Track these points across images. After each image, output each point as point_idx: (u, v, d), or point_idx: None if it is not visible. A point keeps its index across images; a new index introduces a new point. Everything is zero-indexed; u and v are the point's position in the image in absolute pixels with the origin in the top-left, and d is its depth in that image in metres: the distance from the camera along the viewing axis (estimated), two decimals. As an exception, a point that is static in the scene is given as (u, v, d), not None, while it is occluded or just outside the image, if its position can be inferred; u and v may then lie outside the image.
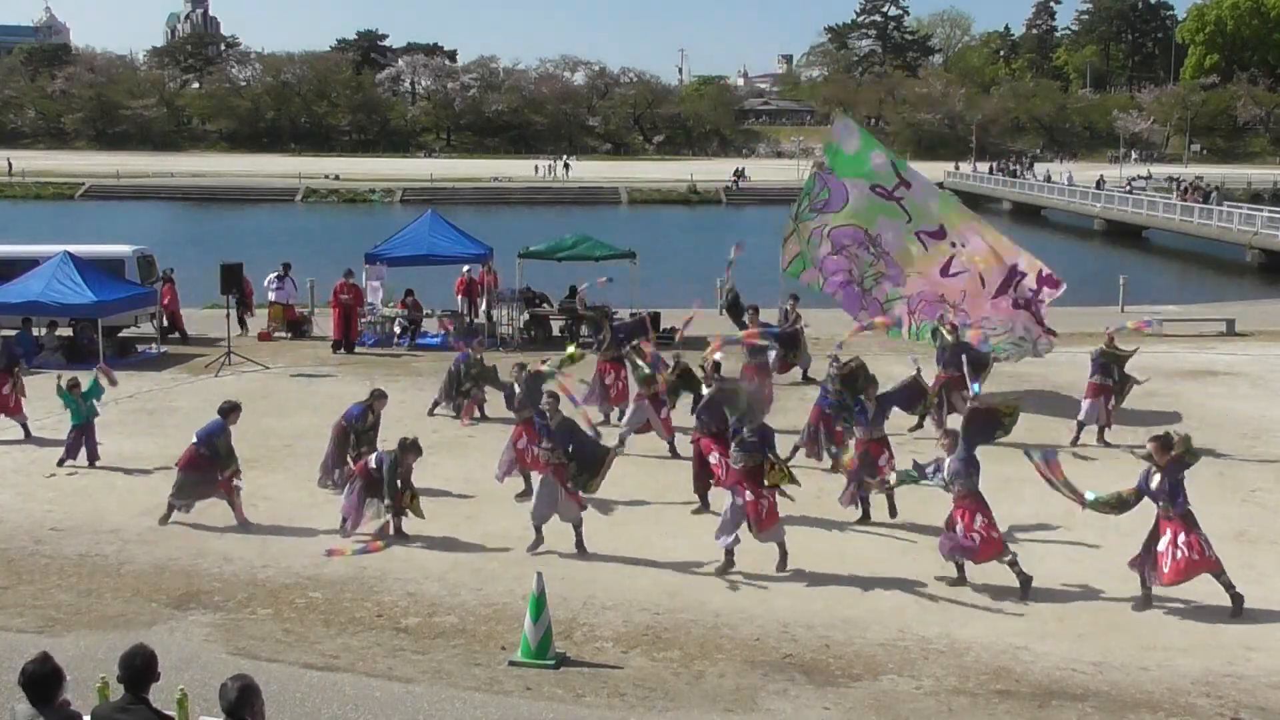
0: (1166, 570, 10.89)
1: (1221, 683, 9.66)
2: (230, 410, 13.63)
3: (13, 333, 20.86)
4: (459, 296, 27.26)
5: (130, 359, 23.19)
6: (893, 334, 20.23)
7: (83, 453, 15.84)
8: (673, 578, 11.91)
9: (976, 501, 11.52)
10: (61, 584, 11.70)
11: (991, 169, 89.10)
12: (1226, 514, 13.68)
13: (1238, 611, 10.91)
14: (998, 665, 9.99)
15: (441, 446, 16.56)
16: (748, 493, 11.94)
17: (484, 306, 26.28)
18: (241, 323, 26.09)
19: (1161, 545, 10.94)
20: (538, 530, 12.69)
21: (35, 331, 22.44)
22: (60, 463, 15.71)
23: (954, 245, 19.51)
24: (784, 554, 12.12)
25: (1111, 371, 17.25)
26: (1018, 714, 9.14)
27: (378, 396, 14.81)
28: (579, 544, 12.57)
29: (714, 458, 13.73)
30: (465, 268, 26.68)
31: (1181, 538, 10.85)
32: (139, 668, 5.79)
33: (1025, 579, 11.44)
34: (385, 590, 11.59)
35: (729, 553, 12.06)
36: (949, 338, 17.63)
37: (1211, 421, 18.45)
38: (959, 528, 11.49)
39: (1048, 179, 74.09)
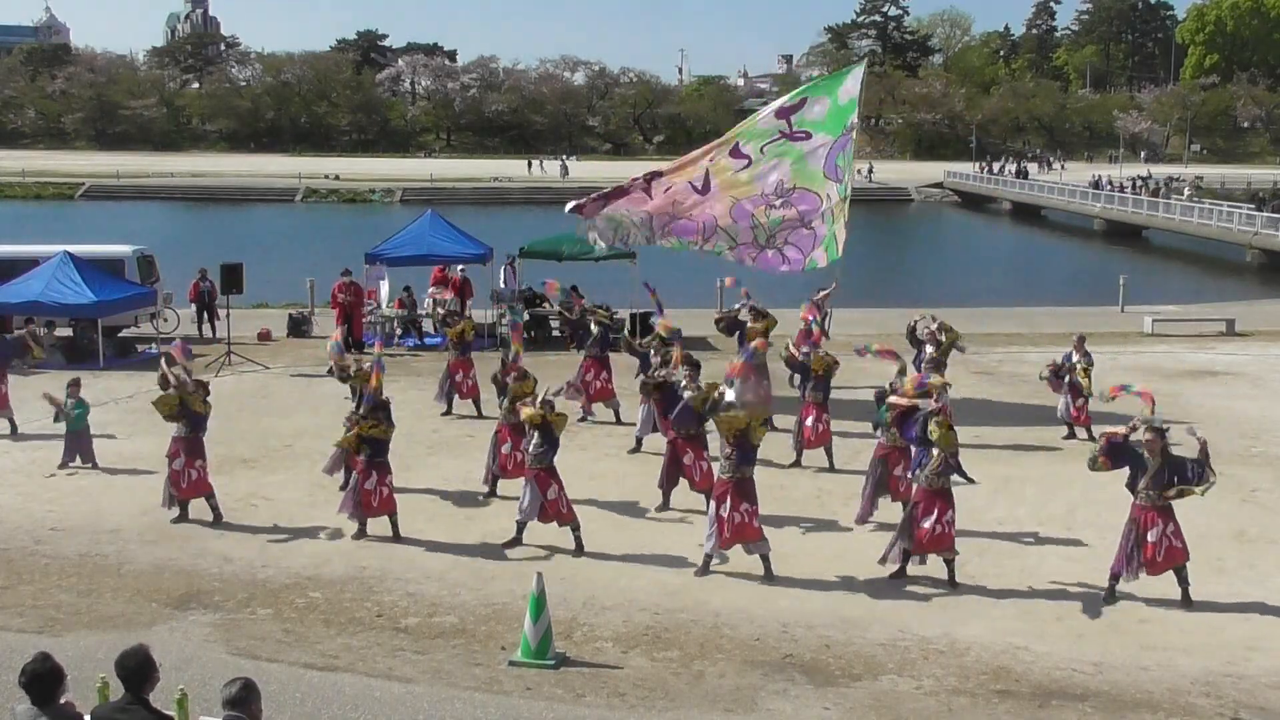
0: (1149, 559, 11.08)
1: (1221, 683, 9.66)
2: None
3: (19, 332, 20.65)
4: (450, 296, 27.22)
5: (130, 359, 23.20)
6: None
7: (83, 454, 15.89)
8: (673, 578, 11.90)
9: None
10: (61, 584, 11.70)
11: (1000, 169, 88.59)
12: (1226, 514, 13.69)
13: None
14: (998, 665, 9.99)
15: (441, 447, 16.56)
16: (724, 507, 11.70)
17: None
18: (210, 328, 26.07)
19: (1153, 536, 11.07)
20: (520, 529, 12.63)
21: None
22: (61, 465, 15.75)
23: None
24: (766, 565, 11.90)
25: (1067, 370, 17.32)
26: (1018, 714, 9.14)
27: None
28: (578, 544, 12.63)
29: (688, 459, 13.74)
30: (459, 268, 26.72)
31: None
32: (133, 668, 5.80)
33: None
34: (385, 590, 11.59)
35: (709, 558, 11.95)
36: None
37: (1211, 421, 18.42)
38: None
39: (1094, 184, 69.05)
